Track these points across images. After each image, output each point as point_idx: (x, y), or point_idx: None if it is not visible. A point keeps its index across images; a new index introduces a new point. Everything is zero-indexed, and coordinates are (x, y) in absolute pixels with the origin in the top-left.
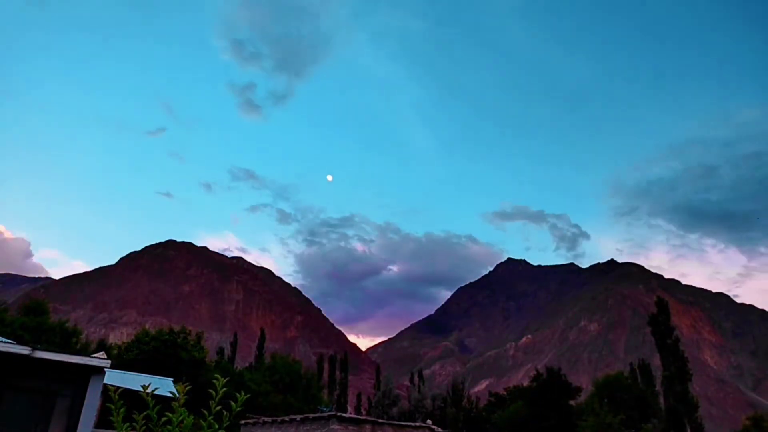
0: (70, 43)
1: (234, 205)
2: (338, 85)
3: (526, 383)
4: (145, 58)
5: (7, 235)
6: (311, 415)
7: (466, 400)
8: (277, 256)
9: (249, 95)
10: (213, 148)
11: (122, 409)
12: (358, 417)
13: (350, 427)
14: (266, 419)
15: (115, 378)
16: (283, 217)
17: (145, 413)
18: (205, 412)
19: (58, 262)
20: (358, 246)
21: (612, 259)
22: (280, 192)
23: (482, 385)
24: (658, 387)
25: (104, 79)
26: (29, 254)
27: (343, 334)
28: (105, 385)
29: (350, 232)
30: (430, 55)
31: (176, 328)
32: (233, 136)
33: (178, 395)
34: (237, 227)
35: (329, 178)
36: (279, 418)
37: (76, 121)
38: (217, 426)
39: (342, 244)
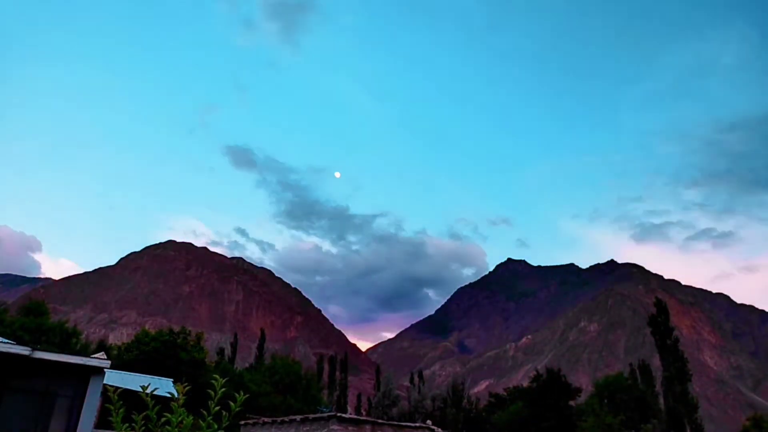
0: (63, 36)
1: (231, 192)
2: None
3: (526, 384)
4: (145, 48)
5: (11, 232)
6: (311, 416)
7: (466, 400)
8: (276, 253)
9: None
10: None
11: (121, 410)
12: (358, 417)
13: (350, 428)
14: (266, 420)
15: (115, 378)
16: (283, 211)
17: (144, 414)
18: (204, 412)
19: (58, 262)
20: (357, 244)
21: (612, 260)
22: (281, 180)
23: (482, 386)
24: (658, 387)
25: (103, 71)
26: (34, 250)
27: (343, 335)
28: (105, 385)
29: (349, 230)
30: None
31: (176, 328)
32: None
33: (177, 395)
34: (231, 218)
35: (337, 174)
36: (279, 419)
37: (73, 115)
38: (216, 426)
39: (341, 241)
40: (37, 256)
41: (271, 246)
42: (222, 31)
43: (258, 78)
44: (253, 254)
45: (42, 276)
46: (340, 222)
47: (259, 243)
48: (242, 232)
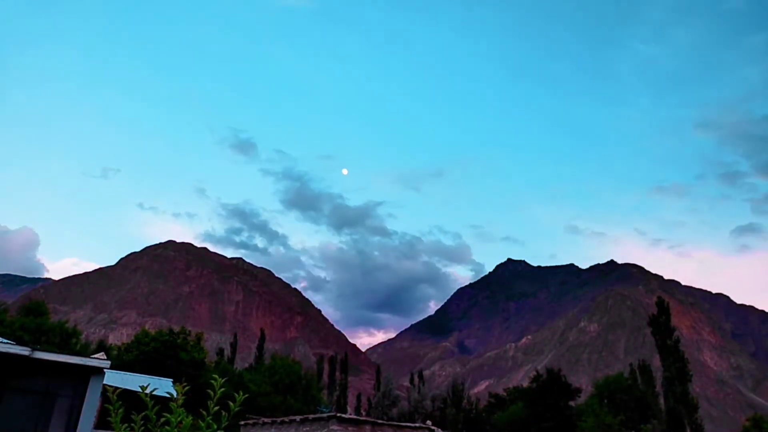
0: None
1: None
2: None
3: (526, 384)
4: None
5: (11, 232)
6: (311, 416)
7: (466, 400)
8: (276, 248)
9: None
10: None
11: (121, 410)
12: (358, 418)
13: (350, 428)
14: (266, 420)
15: (115, 379)
16: (283, 205)
17: (143, 414)
18: (204, 412)
19: (58, 262)
20: (357, 243)
21: (612, 260)
22: (284, 172)
23: (482, 386)
24: (658, 388)
25: (102, 67)
26: (34, 250)
27: (342, 335)
28: (104, 385)
29: (349, 228)
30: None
31: (176, 328)
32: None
33: (176, 396)
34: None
35: (344, 171)
36: (278, 419)
37: (70, 110)
38: (215, 426)
39: (342, 240)
40: (37, 257)
41: (274, 235)
42: (223, 18)
43: (258, 70)
44: (253, 248)
45: (42, 276)
46: (340, 220)
47: (260, 231)
48: (242, 222)
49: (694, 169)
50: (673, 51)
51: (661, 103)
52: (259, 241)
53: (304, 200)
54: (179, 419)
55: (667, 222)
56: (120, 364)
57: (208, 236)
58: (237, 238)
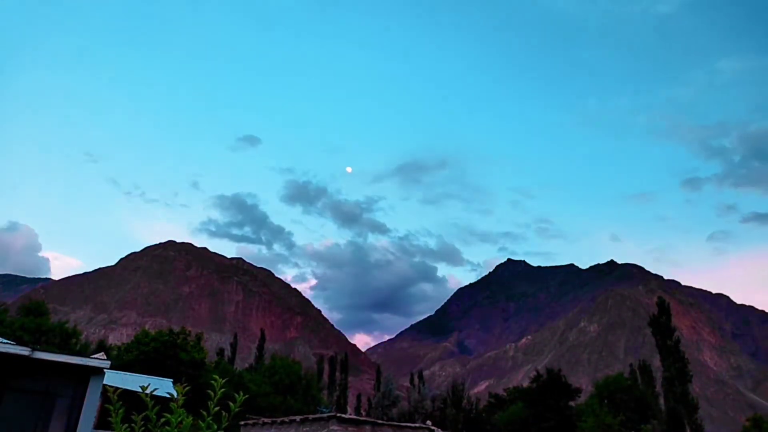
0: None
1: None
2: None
3: (526, 384)
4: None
5: (11, 232)
6: (311, 416)
7: (466, 401)
8: (277, 246)
9: None
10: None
11: (121, 410)
12: (358, 418)
13: (350, 428)
14: (266, 420)
15: (115, 379)
16: (283, 202)
17: (144, 414)
18: (204, 412)
19: (58, 262)
20: (357, 243)
21: (612, 260)
22: (285, 168)
23: (482, 386)
24: (658, 388)
25: (103, 69)
26: (34, 250)
27: (342, 335)
28: (104, 386)
29: (348, 228)
30: None
31: (176, 329)
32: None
33: (176, 396)
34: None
35: (348, 169)
36: (279, 419)
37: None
38: (215, 427)
39: (342, 240)
40: (37, 257)
41: (276, 231)
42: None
43: (260, 67)
44: (256, 241)
45: (42, 276)
46: (341, 218)
47: (260, 226)
48: (242, 214)
49: (659, 178)
50: (616, 54)
51: (609, 107)
52: (260, 236)
53: (305, 196)
54: (179, 419)
55: (638, 229)
56: (120, 364)
57: (206, 228)
58: (237, 232)
